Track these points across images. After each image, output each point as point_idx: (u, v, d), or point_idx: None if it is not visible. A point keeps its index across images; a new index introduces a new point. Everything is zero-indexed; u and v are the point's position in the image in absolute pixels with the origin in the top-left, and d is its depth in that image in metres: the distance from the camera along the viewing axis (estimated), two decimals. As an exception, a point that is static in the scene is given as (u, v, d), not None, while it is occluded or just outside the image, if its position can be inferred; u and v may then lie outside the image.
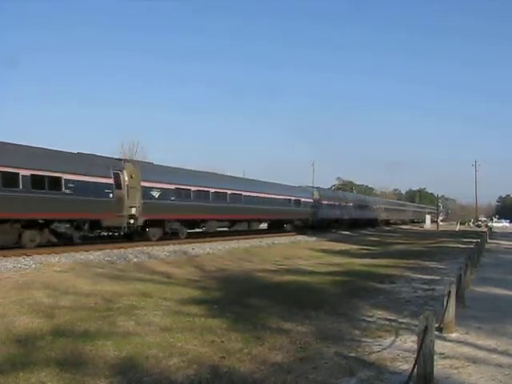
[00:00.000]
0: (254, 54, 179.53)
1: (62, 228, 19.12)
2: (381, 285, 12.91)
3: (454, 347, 6.67)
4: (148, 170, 24.09)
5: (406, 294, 11.46)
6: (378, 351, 6.50)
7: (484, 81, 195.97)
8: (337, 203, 48.32)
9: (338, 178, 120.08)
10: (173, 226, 24.93)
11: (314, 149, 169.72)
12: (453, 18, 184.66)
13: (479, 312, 9.03)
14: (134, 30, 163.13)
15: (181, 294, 10.75)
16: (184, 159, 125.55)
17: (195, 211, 26.35)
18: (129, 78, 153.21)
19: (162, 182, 23.97)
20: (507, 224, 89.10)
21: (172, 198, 24.59)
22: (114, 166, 21.80)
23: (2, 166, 16.51)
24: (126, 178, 21.96)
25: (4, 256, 15.34)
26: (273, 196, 35.06)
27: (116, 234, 23.18)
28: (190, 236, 27.70)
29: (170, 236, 24.58)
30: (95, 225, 20.70)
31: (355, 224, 52.30)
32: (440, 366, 5.64)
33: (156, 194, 23.46)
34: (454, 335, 7.29)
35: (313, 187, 46.52)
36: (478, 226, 76.65)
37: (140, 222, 22.51)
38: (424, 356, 4.65)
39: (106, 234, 23.18)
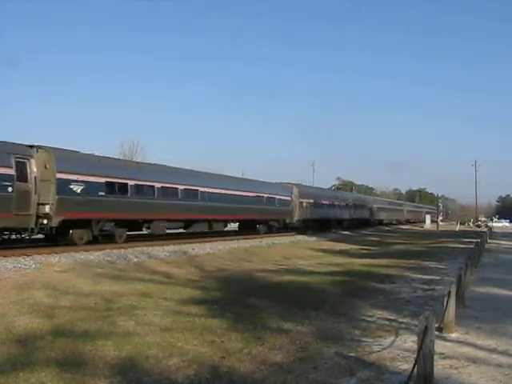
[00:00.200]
0: (253, 54, 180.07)
1: None
2: (381, 285, 12.91)
3: (454, 347, 6.67)
4: (67, 159, 19.58)
5: (406, 293, 11.46)
6: (378, 351, 6.50)
7: (484, 81, 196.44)
8: (323, 202, 44.25)
9: (338, 178, 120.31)
10: (104, 228, 20.75)
11: (314, 149, 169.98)
12: (453, 18, 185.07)
13: (479, 312, 9.03)
14: (133, 30, 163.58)
15: (181, 293, 10.75)
16: (184, 159, 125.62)
17: (135, 209, 22.00)
18: (129, 78, 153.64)
19: (86, 174, 19.83)
20: (507, 224, 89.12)
21: (101, 194, 20.33)
22: (16, 152, 17.41)
23: None
24: (35, 169, 17.82)
25: (4, 256, 15.32)
26: (240, 193, 30.81)
27: (26, 237, 18.43)
28: (190, 236, 27.64)
29: (103, 239, 20.90)
30: None
31: (343, 224, 49.33)
32: (440, 366, 5.64)
33: (78, 188, 19.31)
34: (453, 335, 7.29)
35: (292, 183, 40.49)
36: (478, 226, 76.65)
37: (55, 222, 18.22)
38: (424, 356, 4.65)
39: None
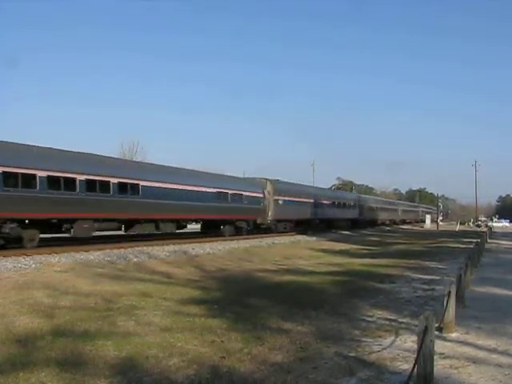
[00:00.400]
0: (253, 54, 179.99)
1: None
2: (381, 285, 12.91)
3: (454, 347, 6.67)
4: None
5: (406, 293, 11.46)
6: (378, 351, 6.50)
7: (484, 81, 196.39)
8: (304, 200, 39.47)
9: (338, 178, 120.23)
10: (4, 230, 16.87)
11: (314, 149, 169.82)
12: (453, 18, 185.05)
13: (479, 312, 9.03)
14: (133, 30, 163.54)
15: (181, 293, 10.75)
16: (184, 159, 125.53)
17: (46, 206, 17.95)
18: (129, 78, 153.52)
19: None
20: (507, 224, 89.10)
21: None
22: None
23: None
24: None
25: (4, 256, 15.33)
26: (196, 188, 26.52)
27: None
28: (191, 236, 27.70)
29: (8, 244, 17.71)
30: None
31: (331, 225, 45.71)
32: (440, 366, 5.64)
33: None
34: (453, 335, 7.29)
35: (265, 179, 35.67)
36: (478, 226, 76.67)
37: None
38: (424, 356, 4.65)
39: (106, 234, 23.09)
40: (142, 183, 22.73)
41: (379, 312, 9.19)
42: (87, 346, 6.36)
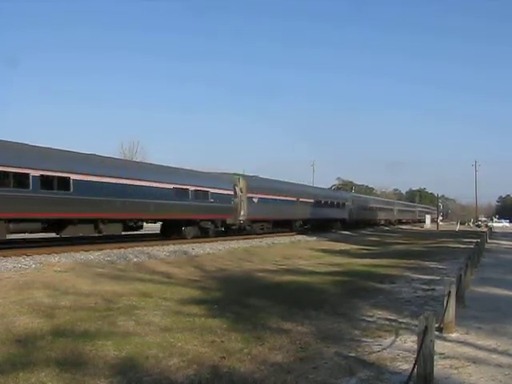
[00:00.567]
0: (253, 54, 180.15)
1: None
2: (381, 285, 12.91)
3: (454, 347, 6.67)
4: None
5: (406, 294, 11.46)
6: (378, 351, 6.50)
7: (484, 81, 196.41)
8: (283, 198, 35.73)
9: (338, 178, 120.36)
10: None
11: (314, 149, 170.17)
12: (453, 18, 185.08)
13: (479, 312, 9.03)
14: (133, 30, 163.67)
15: (181, 293, 10.74)
16: (184, 159, 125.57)
17: None
18: (129, 78, 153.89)
19: None
20: (507, 224, 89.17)
21: None
22: None
23: None
24: None
25: (4, 256, 15.32)
26: (147, 184, 22.66)
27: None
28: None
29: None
30: None
31: (318, 226, 42.65)
32: (440, 366, 5.64)
33: None
34: (453, 335, 7.29)
35: (238, 174, 32.30)
36: (478, 226, 76.74)
37: None
38: (424, 356, 4.65)
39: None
40: (73, 177, 19.13)
41: (379, 312, 9.19)
42: (87, 346, 6.36)
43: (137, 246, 20.44)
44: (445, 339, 7.01)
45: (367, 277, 14.36)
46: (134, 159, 50.59)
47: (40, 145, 19.41)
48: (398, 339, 7.16)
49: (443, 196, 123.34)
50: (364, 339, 7.14)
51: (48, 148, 19.60)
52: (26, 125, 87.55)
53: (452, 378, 5.43)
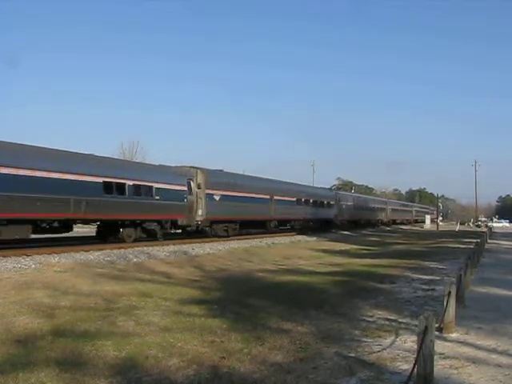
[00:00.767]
0: (254, 54, 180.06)
1: None
2: (381, 285, 12.90)
3: (454, 347, 6.67)
4: None
5: (406, 294, 11.46)
6: (378, 351, 6.50)
7: (484, 81, 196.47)
8: (258, 196, 31.80)
9: (338, 178, 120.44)
10: None
11: (314, 149, 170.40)
12: (453, 18, 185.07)
13: (479, 312, 9.03)
14: (134, 30, 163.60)
15: (181, 293, 10.74)
16: (184, 159, 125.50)
17: None
18: (129, 78, 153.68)
19: None
20: (507, 224, 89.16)
21: None
22: None
23: None
24: None
25: (4, 256, 15.32)
26: (66, 176, 18.35)
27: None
28: (190, 236, 27.41)
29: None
30: None
31: (292, 226, 38.94)
32: (440, 366, 5.64)
33: None
34: (453, 335, 7.29)
35: (195, 167, 27.27)
36: (478, 226, 76.72)
37: None
38: (424, 356, 4.65)
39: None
40: None
41: (379, 312, 9.19)
42: (87, 346, 6.36)
43: (137, 246, 20.43)
44: (445, 339, 7.01)
45: (367, 277, 14.36)
46: (133, 159, 50.54)
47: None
48: (397, 339, 7.16)
49: (443, 196, 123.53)
50: (364, 339, 7.14)
51: None
52: (25, 125, 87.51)
53: (452, 378, 5.43)
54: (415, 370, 4.49)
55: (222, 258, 20.03)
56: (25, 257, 15.67)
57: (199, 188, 26.28)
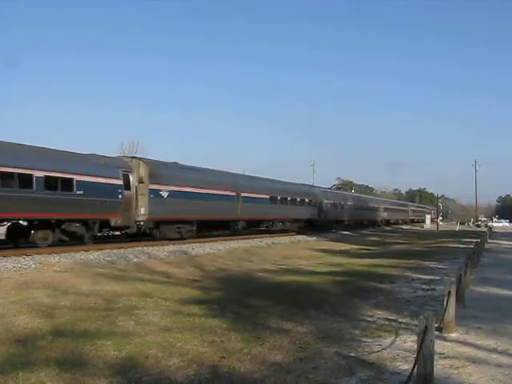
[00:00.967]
0: (254, 54, 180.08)
1: None
2: (381, 285, 12.90)
3: (454, 347, 6.67)
4: None
5: (406, 294, 11.46)
6: (378, 351, 6.50)
7: (484, 81, 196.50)
8: (220, 193, 27.61)
9: (338, 178, 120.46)
10: None
11: (314, 149, 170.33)
12: (453, 18, 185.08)
13: (479, 312, 9.03)
14: (134, 30, 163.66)
15: (181, 293, 10.74)
16: (184, 159, 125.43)
17: None
18: (129, 78, 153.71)
19: None
20: (507, 224, 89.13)
21: None
22: None
23: None
24: None
25: (4, 256, 15.32)
26: None
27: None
28: (190, 236, 27.32)
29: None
30: None
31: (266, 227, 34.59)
32: (440, 366, 5.64)
33: None
34: (453, 335, 7.29)
35: (134, 158, 23.76)
36: (478, 226, 76.69)
37: None
38: (424, 356, 4.64)
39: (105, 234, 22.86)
40: None
41: (379, 312, 9.19)
42: (87, 346, 6.36)
43: (137, 246, 20.44)
44: (445, 339, 7.01)
45: (367, 277, 14.36)
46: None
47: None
48: (397, 339, 7.16)
49: (443, 196, 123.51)
50: (364, 339, 7.14)
51: None
52: (25, 124, 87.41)
53: (452, 377, 5.43)
54: (415, 369, 4.49)
55: (222, 257, 20.03)
56: (25, 257, 15.67)
57: (141, 182, 22.21)
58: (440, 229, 64.62)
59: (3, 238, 18.83)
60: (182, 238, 24.28)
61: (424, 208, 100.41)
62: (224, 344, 6.69)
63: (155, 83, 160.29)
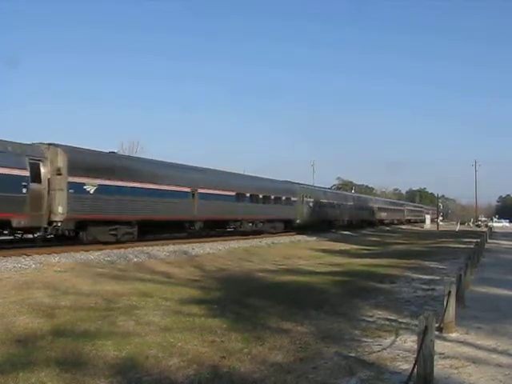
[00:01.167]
0: (254, 54, 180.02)
1: None
2: (381, 285, 12.90)
3: (454, 347, 6.67)
4: None
5: (406, 294, 11.46)
6: (378, 351, 6.50)
7: (484, 81, 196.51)
8: (163, 188, 23.21)
9: (338, 178, 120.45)
10: None
11: (314, 149, 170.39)
12: (453, 18, 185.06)
13: (479, 312, 9.03)
14: (134, 30, 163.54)
15: (181, 293, 10.74)
16: (184, 159, 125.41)
17: None
18: (129, 78, 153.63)
19: None
20: (507, 224, 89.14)
21: None
22: None
23: None
24: None
25: (4, 256, 15.31)
26: None
27: None
28: (190, 236, 27.37)
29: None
30: None
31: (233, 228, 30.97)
32: (440, 366, 5.64)
33: None
34: (453, 335, 7.29)
35: (54, 145, 18.58)
36: (478, 226, 76.69)
37: None
38: (424, 356, 4.65)
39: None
40: None
41: (379, 312, 9.19)
42: (87, 346, 6.36)
43: (137, 246, 20.42)
44: (445, 339, 7.01)
45: (367, 277, 14.36)
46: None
47: None
48: (397, 339, 7.16)
49: (443, 196, 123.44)
50: (364, 339, 7.14)
51: None
52: (25, 124, 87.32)
53: (452, 377, 5.43)
54: (415, 369, 4.49)
55: (222, 257, 20.03)
56: (25, 257, 15.66)
57: (59, 174, 18.05)
58: (440, 229, 64.61)
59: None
60: (118, 242, 20.37)
61: (422, 208, 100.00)
62: (224, 344, 6.69)
63: (155, 83, 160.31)
